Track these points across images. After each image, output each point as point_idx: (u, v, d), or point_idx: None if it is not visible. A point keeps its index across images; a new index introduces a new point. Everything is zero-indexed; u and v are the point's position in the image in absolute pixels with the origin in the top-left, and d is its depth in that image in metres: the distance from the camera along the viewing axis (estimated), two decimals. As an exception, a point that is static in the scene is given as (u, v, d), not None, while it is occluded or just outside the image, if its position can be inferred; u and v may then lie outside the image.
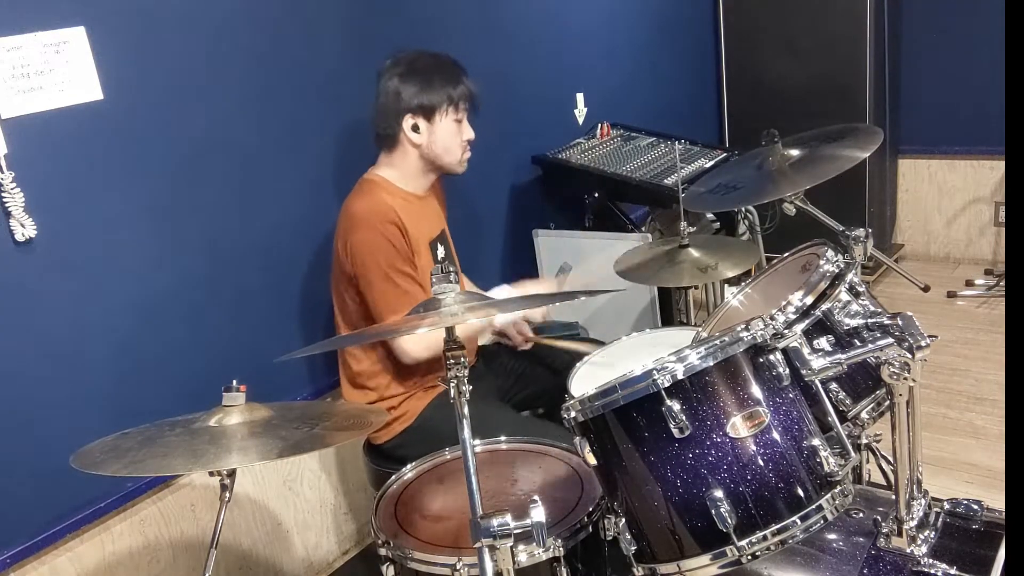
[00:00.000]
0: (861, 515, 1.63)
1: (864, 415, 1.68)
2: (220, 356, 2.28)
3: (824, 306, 1.62)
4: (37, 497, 1.95)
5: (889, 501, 1.65)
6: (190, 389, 2.18)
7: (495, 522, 1.25)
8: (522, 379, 2.44)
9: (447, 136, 2.19)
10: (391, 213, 2.10)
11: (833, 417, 1.49)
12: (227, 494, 1.55)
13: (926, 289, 2.32)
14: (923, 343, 1.38)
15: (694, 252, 2.38)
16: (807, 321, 1.59)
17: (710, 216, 3.32)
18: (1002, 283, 3.88)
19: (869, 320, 1.63)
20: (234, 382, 1.61)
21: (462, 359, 1.38)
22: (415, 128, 2.16)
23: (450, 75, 2.18)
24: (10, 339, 1.89)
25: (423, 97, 2.14)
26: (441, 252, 2.29)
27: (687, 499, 1.38)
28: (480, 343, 2.47)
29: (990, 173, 4.14)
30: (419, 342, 2.11)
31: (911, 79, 4.20)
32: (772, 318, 1.52)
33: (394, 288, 2.08)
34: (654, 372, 1.39)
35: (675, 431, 1.37)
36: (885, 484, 2.08)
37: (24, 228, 1.87)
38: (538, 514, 1.26)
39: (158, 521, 2.23)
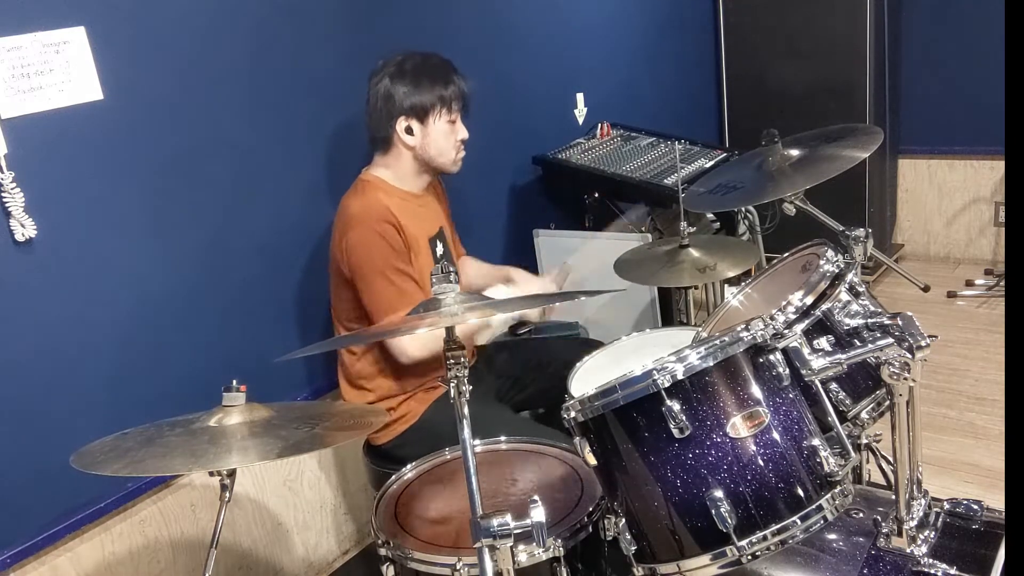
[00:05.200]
0: (861, 515, 1.63)
1: (864, 415, 1.68)
2: (220, 356, 2.28)
3: (824, 306, 1.62)
4: (37, 497, 1.95)
5: (889, 501, 1.65)
6: (190, 389, 2.18)
7: (495, 522, 1.25)
8: (522, 379, 2.43)
9: (441, 137, 2.18)
10: (386, 212, 2.09)
11: (833, 417, 1.49)
12: (227, 494, 1.55)
13: (926, 289, 2.32)
14: (923, 343, 1.38)
15: (694, 252, 2.38)
16: (807, 321, 1.59)
17: (710, 216, 3.32)
18: (1002, 283, 3.88)
19: (869, 320, 1.62)
20: (234, 382, 1.61)
21: (462, 359, 1.38)
22: (408, 130, 2.16)
23: (441, 75, 2.17)
24: (10, 339, 1.89)
25: (415, 99, 2.13)
26: (440, 249, 2.29)
27: (687, 499, 1.38)
28: (480, 343, 2.47)
29: (990, 173, 4.14)
30: (417, 340, 2.11)
31: (911, 79, 4.20)
32: (772, 318, 1.52)
33: (391, 286, 2.08)
34: (654, 372, 1.39)
35: (675, 431, 1.37)
36: (885, 484, 2.08)
37: (24, 228, 1.87)
38: (538, 514, 1.26)
39: (158, 521, 2.23)
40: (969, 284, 3.98)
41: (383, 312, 2.08)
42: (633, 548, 1.46)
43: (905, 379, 1.40)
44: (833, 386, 1.64)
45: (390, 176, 2.22)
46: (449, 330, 1.41)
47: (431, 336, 2.08)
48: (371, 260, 2.07)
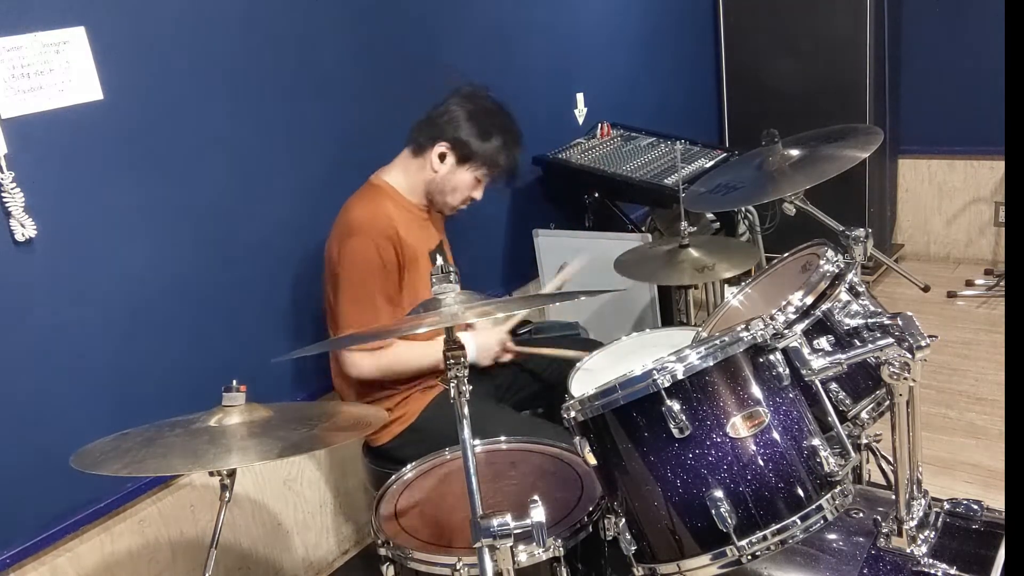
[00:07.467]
0: (861, 515, 1.63)
1: (864, 415, 1.68)
2: (220, 356, 2.28)
3: (824, 306, 1.62)
4: (37, 497, 1.95)
5: (889, 501, 1.65)
6: (190, 389, 2.18)
7: (495, 522, 1.25)
8: (522, 379, 2.43)
9: (461, 185, 2.20)
10: (389, 227, 2.10)
11: (833, 417, 1.49)
12: (227, 494, 1.55)
13: (926, 289, 2.32)
14: (923, 343, 1.38)
15: (694, 252, 2.38)
16: (807, 321, 1.59)
17: (710, 216, 3.32)
18: (1002, 283, 3.88)
19: (869, 320, 1.63)
20: (234, 382, 1.61)
21: (462, 359, 1.38)
22: (442, 157, 2.16)
23: (507, 141, 2.18)
24: (10, 339, 1.89)
25: (474, 145, 2.14)
26: (440, 263, 2.28)
27: (687, 499, 1.38)
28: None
29: (990, 173, 4.14)
30: (372, 361, 2.12)
31: (911, 79, 4.20)
32: (772, 318, 1.52)
33: (367, 303, 2.08)
34: (654, 372, 1.39)
35: (675, 431, 1.37)
36: (885, 484, 2.08)
37: (24, 228, 1.87)
38: (538, 514, 1.26)
39: (158, 521, 2.22)
40: (969, 284, 3.98)
41: (349, 323, 2.09)
42: (633, 548, 1.46)
43: (905, 379, 1.40)
44: (833, 386, 1.64)
45: (402, 184, 2.22)
46: (448, 330, 1.41)
47: (389, 359, 2.11)
48: (359, 270, 2.07)
